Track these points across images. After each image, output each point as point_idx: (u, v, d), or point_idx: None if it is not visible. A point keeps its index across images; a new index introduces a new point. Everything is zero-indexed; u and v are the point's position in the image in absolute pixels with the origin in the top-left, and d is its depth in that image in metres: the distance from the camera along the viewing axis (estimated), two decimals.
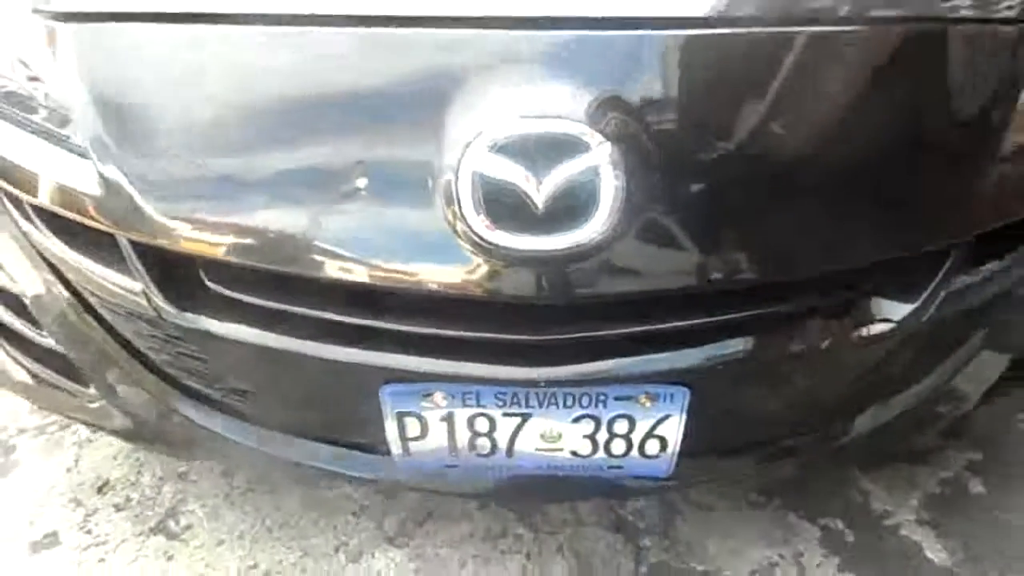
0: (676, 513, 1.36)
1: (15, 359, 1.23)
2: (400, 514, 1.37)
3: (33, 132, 0.93)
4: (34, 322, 1.13)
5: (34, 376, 1.23)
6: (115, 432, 1.25)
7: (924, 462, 1.46)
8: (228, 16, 0.86)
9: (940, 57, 0.85)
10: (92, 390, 1.16)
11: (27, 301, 1.10)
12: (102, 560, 1.30)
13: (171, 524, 1.36)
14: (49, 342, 1.12)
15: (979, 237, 0.91)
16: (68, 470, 1.47)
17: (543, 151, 0.76)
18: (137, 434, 1.23)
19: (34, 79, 0.93)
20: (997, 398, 1.16)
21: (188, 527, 1.35)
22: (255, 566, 1.29)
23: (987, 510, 1.37)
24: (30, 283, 1.06)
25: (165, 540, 1.33)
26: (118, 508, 1.39)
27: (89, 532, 1.35)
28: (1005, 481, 1.41)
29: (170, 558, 1.30)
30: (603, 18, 0.80)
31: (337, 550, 1.31)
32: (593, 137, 0.76)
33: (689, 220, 0.80)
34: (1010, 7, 0.89)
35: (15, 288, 1.10)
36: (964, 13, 0.88)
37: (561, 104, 0.76)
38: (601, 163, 0.76)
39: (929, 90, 0.86)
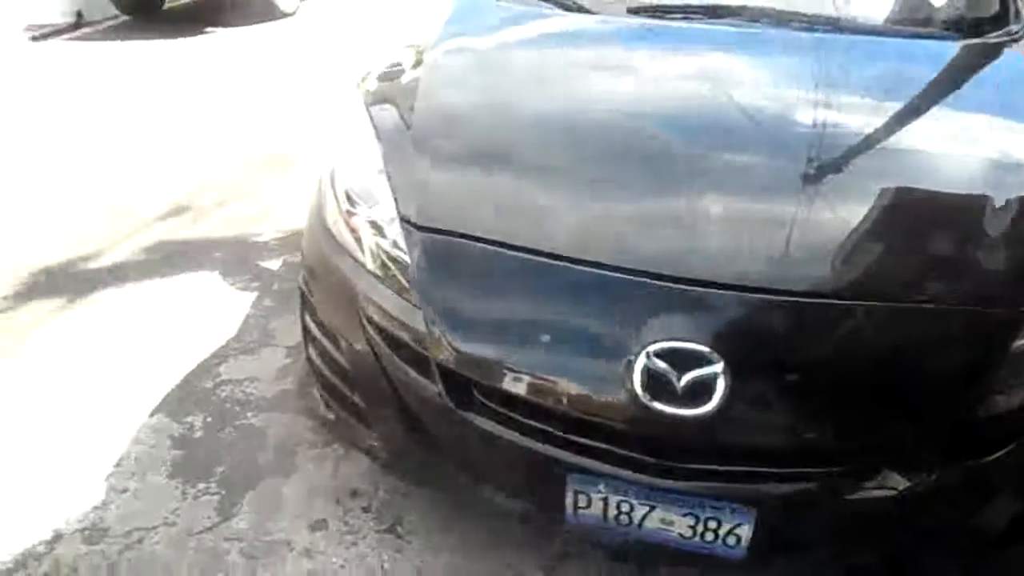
0: None
1: (327, 403, 1.92)
2: (548, 552, 1.94)
3: (392, 288, 1.60)
4: (351, 386, 1.80)
5: (337, 416, 1.91)
6: (377, 459, 1.92)
7: None
8: (508, 244, 1.52)
9: (942, 329, 1.39)
10: (375, 433, 1.82)
11: (350, 372, 1.77)
12: (354, 543, 1.96)
13: (398, 527, 2.00)
14: (357, 400, 1.79)
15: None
16: (331, 476, 2.15)
17: (685, 360, 1.34)
18: (393, 463, 1.89)
19: (399, 258, 1.61)
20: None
21: (410, 532, 1.99)
22: (451, 567, 1.90)
23: None
24: (359, 365, 1.73)
25: (394, 539, 1.97)
26: (364, 510, 2.05)
27: (347, 523, 2.01)
28: None
29: (398, 551, 1.94)
30: (729, 284, 1.40)
31: (509, 567, 1.90)
32: (713, 355, 1.34)
33: (767, 409, 1.37)
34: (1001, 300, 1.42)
35: (345, 363, 1.78)
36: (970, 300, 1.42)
37: (697, 335, 1.35)
38: (718, 371, 1.33)
39: (942, 352, 1.38)
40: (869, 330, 1.40)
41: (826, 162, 1.71)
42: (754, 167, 1.71)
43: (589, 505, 1.51)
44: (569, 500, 1.52)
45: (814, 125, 1.82)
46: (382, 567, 1.90)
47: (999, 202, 1.63)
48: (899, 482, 1.40)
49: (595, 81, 2.06)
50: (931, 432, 1.40)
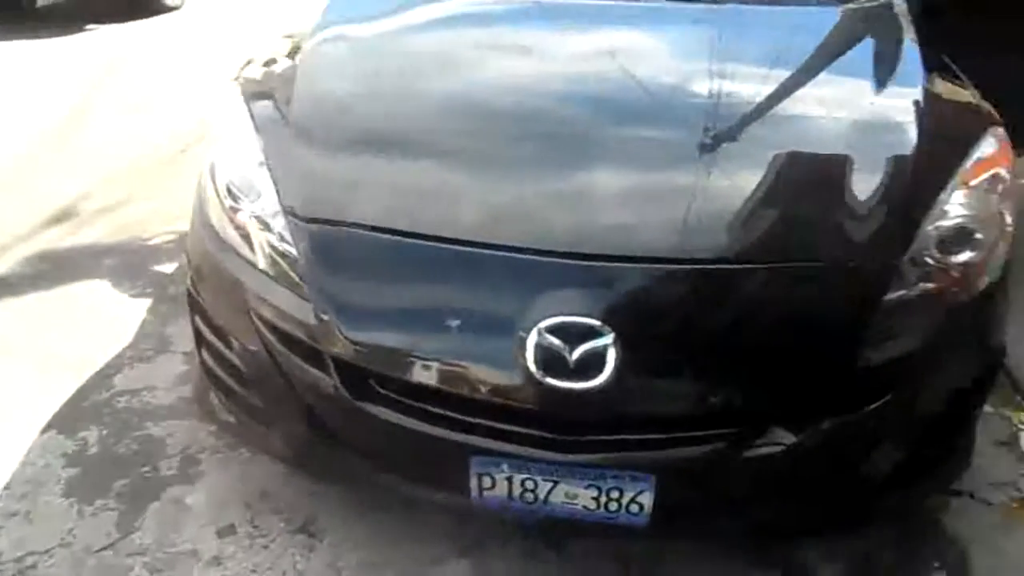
0: (663, 552, 1.90)
1: (224, 406, 1.87)
2: (463, 540, 1.93)
3: (281, 283, 1.57)
4: (247, 387, 1.75)
5: (236, 418, 1.86)
6: (282, 459, 1.88)
7: (851, 535, 1.96)
8: (393, 230, 1.52)
9: (819, 287, 1.45)
10: (275, 432, 1.78)
11: (245, 373, 1.73)
12: (266, 547, 1.91)
13: (309, 527, 1.96)
14: (255, 400, 1.75)
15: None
16: (238, 480, 2.10)
17: (576, 334, 1.36)
18: (297, 462, 1.85)
19: (286, 252, 1.57)
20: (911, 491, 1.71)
21: (322, 530, 1.95)
22: (366, 561, 1.88)
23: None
24: (254, 365, 1.68)
25: (306, 538, 1.94)
26: (274, 511, 2.00)
27: (256, 526, 1.96)
28: (907, 554, 1.92)
29: (311, 549, 1.90)
30: (613, 255, 1.43)
31: (422, 558, 1.89)
32: (604, 329, 1.35)
33: (657, 376, 1.40)
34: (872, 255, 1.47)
35: (239, 364, 1.73)
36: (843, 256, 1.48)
37: (585, 309, 1.37)
38: (608, 344, 1.35)
39: (810, 308, 1.44)
40: (750, 292, 1.45)
41: (714, 132, 1.74)
42: (633, 140, 1.74)
43: (494, 486, 1.51)
44: (474, 483, 1.52)
45: (694, 95, 1.86)
46: (295, 567, 1.86)
47: (872, 162, 1.70)
48: (786, 437, 1.45)
49: (482, 60, 2.06)
50: (814, 387, 1.45)
